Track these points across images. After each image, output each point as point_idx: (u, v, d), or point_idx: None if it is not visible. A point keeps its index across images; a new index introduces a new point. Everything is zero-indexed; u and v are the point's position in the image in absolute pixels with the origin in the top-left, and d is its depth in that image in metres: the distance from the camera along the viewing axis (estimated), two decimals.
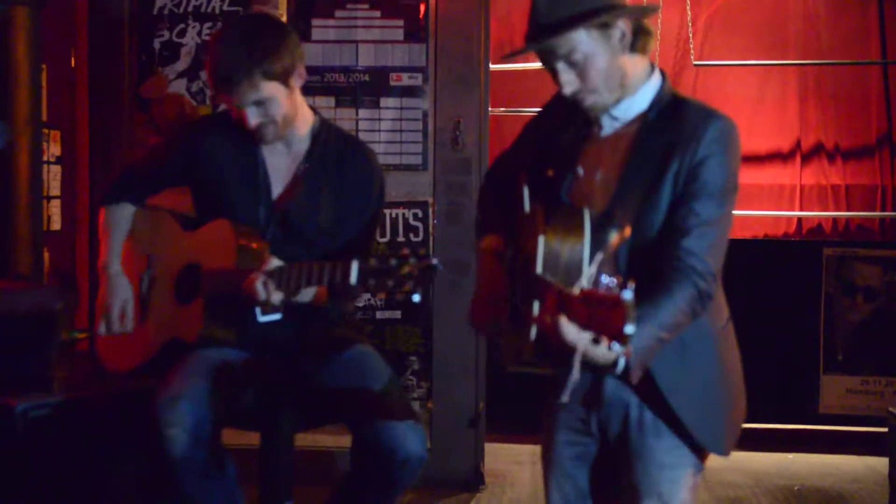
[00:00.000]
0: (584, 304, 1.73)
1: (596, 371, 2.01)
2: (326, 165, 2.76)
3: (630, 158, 2.13)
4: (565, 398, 1.93)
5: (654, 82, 2.18)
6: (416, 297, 2.30)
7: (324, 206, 2.73)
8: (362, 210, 2.76)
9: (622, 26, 2.10)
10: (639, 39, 2.14)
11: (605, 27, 2.08)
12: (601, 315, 1.67)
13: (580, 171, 2.20)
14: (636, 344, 1.89)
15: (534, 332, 1.93)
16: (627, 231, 2.02)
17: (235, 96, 2.59)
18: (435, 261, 2.27)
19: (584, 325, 1.73)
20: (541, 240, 1.99)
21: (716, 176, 2.05)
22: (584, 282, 1.84)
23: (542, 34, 2.09)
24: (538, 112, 2.43)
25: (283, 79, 2.62)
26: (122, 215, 2.90)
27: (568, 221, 2.03)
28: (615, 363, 1.91)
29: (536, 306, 1.89)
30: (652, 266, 2.04)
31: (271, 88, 2.60)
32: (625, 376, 1.96)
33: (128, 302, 2.82)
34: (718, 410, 2.19)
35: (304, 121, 2.76)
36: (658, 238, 2.07)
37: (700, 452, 2.19)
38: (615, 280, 1.67)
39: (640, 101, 2.16)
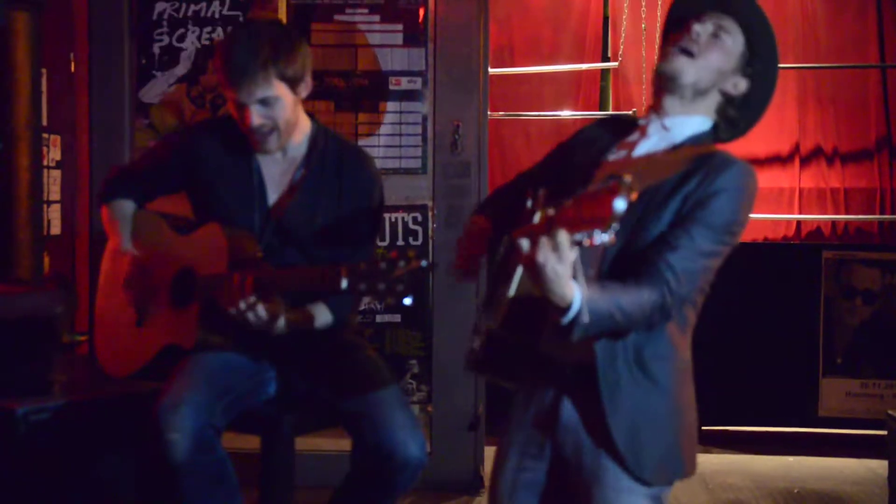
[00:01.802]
0: (575, 205, 1.71)
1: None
2: (324, 173, 2.76)
3: (652, 166, 2.15)
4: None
5: (707, 124, 2.23)
6: (408, 300, 2.30)
7: (321, 215, 2.73)
8: (361, 218, 2.76)
9: (738, 83, 2.20)
10: (730, 112, 2.22)
11: (744, 64, 2.19)
12: (591, 205, 1.65)
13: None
14: (589, 300, 1.90)
15: (513, 288, 1.92)
16: (635, 195, 1.97)
17: (245, 90, 2.60)
18: (425, 262, 2.26)
19: (570, 224, 1.71)
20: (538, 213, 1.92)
21: (723, 210, 2.08)
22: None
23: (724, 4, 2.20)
24: (565, 141, 2.43)
25: (293, 84, 2.65)
26: (125, 208, 2.90)
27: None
28: (569, 307, 1.88)
29: (524, 243, 1.85)
30: (638, 267, 2.05)
31: (281, 89, 2.62)
32: (567, 334, 1.92)
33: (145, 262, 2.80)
34: (657, 434, 2.12)
35: (301, 129, 2.77)
36: (650, 246, 2.07)
37: (642, 480, 2.11)
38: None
39: (690, 124, 2.20)
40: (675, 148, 2.18)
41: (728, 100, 2.21)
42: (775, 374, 4.89)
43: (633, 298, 1.99)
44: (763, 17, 2.20)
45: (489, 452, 4.35)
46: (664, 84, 2.20)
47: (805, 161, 5.59)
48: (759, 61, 2.20)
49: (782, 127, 5.58)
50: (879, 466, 4.29)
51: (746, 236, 5.89)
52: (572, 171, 2.27)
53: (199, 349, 2.67)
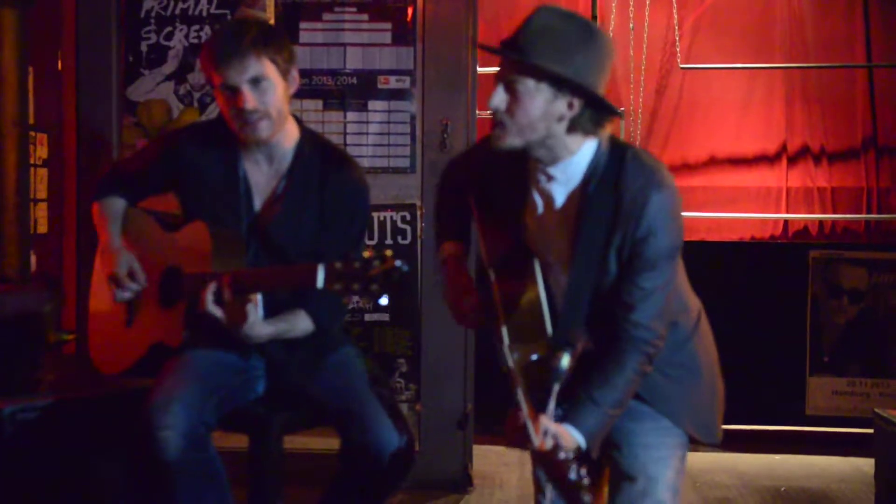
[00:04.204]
0: (539, 458, 2.04)
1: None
2: (309, 183, 2.74)
3: (576, 245, 2.22)
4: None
5: (591, 147, 2.21)
6: (383, 300, 2.30)
7: (306, 225, 2.72)
8: (346, 228, 2.74)
9: (572, 101, 2.14)
10: (585, 123, 2.17)
11: (556, 89, 2.13)
12: (553, 467, 1.97)
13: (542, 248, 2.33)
14: (591, 430, 2.15)
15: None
16: (580, 346, 2.14)
17: (236, 69, 2.57)
18: (399, 262, 2.27)
19: (539, 460, 2.05)
20: (502, 323, 2.19)
21: (658, 249, 2.16)
22: (548, 417, 2.10)
23: (511, 50, 2.14)
24: (472, 150, 2.57)
25: (283, 71, 2.63)
26: (116, 207, 2.89)
27: (520, 276, 2.21)
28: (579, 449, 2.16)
29: (520, 395, 2.10)
30: (608, 320, 2.21)
31: (272, 71, 2.60)
32: (587, 456, 2.16)
33: (133, 262, 2.77)
34: (708, 406, 2.37)
35: (289, 135, 2.75)
36: (609, 297, 2.22)
37: (680, 436, 2.32)
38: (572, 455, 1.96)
39: (576, 164, 2.22)
40: (581, 190, 2.22)
41: (574, 120, 2.16)
42: (762, 372, 4.90)
43: (620, 386, 2.18)
44: (534, 41, 2.11)
45: (478, 450, 4.37)
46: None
47: (792, 160, 5.60)
48: (570, 78, 2.11)
49: (770, 126, 5.60)
50: (866, 464, 4.31)
51: (733, 235, 5.92)
52: (500, 194, 2.37)
53: (186, 347, 2.66)
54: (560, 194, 2.25)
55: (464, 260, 2.47)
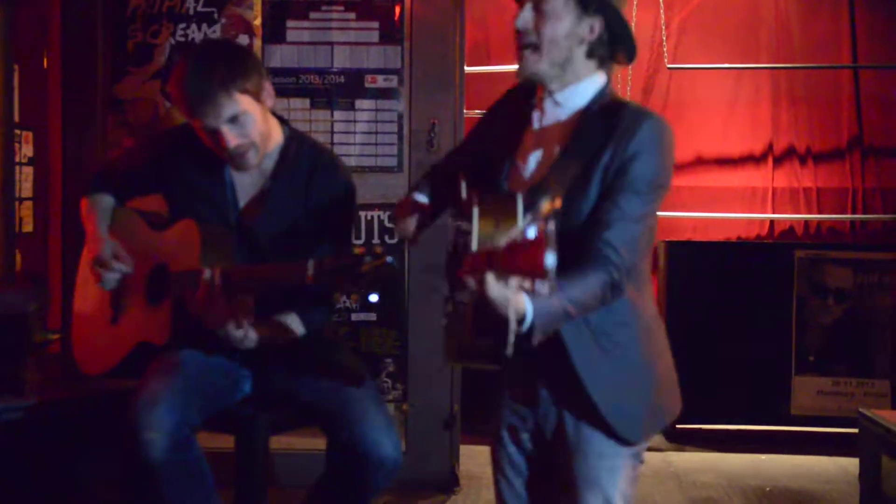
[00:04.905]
0: (508, 252, 1.77)
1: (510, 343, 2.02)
2: (294, 183, 2.74)
3: (567, 145, 2.21)
4: (510, 351, 1.94)
5: (599, 81, 2.26)
6: (373, 297, 2.30)
7: (291, 225, 2.72)
8: (333, 228, 2.75)
9: (593, 25, 2.19)
10: (602, 50, 2.22)
11: (582, 9, 2.17)
12: (523, 256, 1.72)
13: (524, 164, 2.27)
14: (542, 307, 1.98)
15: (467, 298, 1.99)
16: (558, 202, 2.03)
17: (212, 114, 2.56)
18: (390, 258, 2.27)
19: (507, 271, 1.77)
20: (475, 224, 2.02)
21: (644, 172, 2.13)
22: (511, 235, 1.84)
23: None
24: (484, 113, 2.50)
25: (256, 95, 2.62)
26: (105, 202, 2.89)
27: (502, 207, 2.07)
28: (524, 320, 1.97)
29: (471, 282, 1.92)
30: (578, 251, 2.12)
31: (246, 103, 2.59)
32: (528, 339, 2.00)
33: (117, 247, 2.78)
34: (636, 396, 2.23)
35: (274, 137, 2.75)
36: (585, 225, 2.15)
37: (631, 442, 2.24)
38: (539, 226, 1.71)
39: (582, 92, 2.24)
40: (583, 111, 2.22)
41: (593, 45, 2.21)
42: (748, 372, 4.92)
43: (583, 288, 2.07)
44: None
45: (465, 451, 4.37)
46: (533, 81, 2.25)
47: (778, 161, 5.62)
48: None
49: (756, 127, 5.62)
50: (851, 464, 4.33)
51: (719, 235, 5.93)
52: (494, 147, 2.33)
53: (172, 346, 2.66)
54: (562, 115, 2.26)
55: (416, 206, 2.37)
